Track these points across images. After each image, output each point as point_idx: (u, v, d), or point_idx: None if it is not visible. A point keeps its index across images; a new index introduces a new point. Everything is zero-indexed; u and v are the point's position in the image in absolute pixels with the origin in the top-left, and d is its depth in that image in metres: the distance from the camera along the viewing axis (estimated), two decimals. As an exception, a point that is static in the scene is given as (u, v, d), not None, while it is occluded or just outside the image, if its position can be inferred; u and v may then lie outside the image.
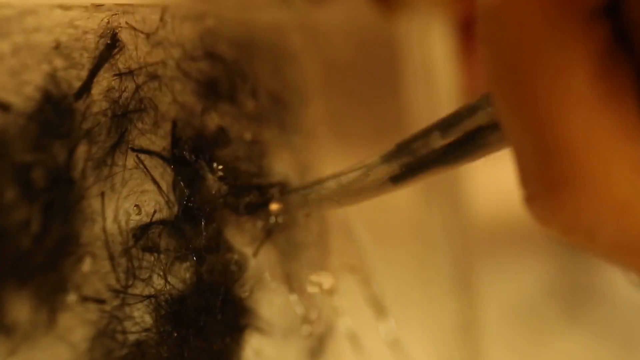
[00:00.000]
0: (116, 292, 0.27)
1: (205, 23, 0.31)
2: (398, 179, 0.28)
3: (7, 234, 0.24)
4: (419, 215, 0.43)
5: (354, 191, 0.29)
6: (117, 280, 0.27)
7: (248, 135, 0.32)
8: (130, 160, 0.28)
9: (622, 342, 0.57)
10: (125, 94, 0.28)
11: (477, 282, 0.46)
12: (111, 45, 0.27)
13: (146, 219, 0.28)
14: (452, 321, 0.44)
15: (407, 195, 0.42)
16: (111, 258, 0.27)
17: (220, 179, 0.31)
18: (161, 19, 0.29)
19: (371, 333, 0.36)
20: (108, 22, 0.27)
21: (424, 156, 0.27)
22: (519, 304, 0.54)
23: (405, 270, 0.42)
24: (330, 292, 0.35)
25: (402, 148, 0.28)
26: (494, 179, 0.49)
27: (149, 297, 0.28)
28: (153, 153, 0.28)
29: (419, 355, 0.41)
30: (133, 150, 0.28)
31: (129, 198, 0.27)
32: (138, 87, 0.28)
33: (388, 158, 0.28)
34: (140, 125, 0.28)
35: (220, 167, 0.31)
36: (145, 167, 0.28)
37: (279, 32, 0.35)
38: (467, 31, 0.42)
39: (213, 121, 0.31)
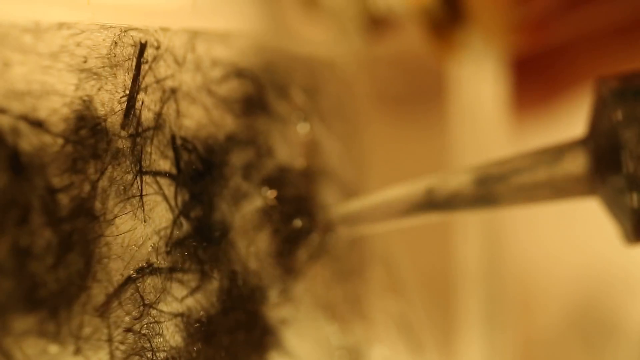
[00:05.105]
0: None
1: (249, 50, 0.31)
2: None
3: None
4: (455, 249, 0.43)
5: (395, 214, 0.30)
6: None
7: (298, 161, 0.33)
8: (156, 183, 0.27)
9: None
10: (166, 115, 0.28)
11: (505, 315, 0.46)
12: (141, 65, 0.27)
13: (182, 237, 0.28)
14: (480, 353, 0.44)
15: (444, 230, 0.42)
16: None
17: (269, 204, 0.31)
18: (194, 42, 0.29)
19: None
20: (141, 42, 0.27)
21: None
22: (543, 338, 0.54)
23: (441, 301, 0.42)
24: (367, 321, 0.35)
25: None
26: (526, 222, 0.49)
27: (178, 315, 0.28)
28: (182, 175, 0.28)
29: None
30: (163, 175, 0.28)
31: (160, 219, 0.27)
32: (178, 109, 0.28)
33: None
34: (160, 147, 0.28)
35: (270, 191, 0.31)
36: (165, 190, 0.28)
37: (335, 64, 0.35)
38: (520, 68, 0.42)
39: (261, 145, 0.31)
